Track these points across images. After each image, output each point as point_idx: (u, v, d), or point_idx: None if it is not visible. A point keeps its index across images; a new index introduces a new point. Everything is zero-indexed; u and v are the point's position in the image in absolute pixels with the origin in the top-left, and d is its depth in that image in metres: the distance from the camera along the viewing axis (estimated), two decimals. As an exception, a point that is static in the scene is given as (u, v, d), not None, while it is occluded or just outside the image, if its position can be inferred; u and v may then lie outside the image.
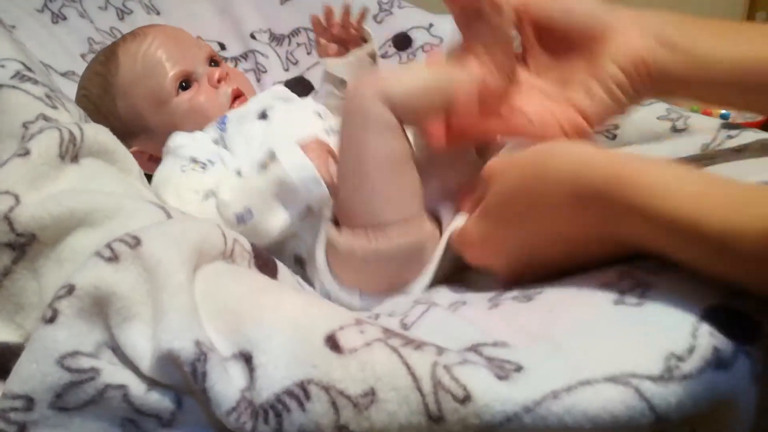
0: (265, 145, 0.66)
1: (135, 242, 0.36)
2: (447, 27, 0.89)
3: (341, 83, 0.74)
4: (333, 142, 0.63)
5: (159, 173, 0.67)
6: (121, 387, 0.33)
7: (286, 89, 0.80)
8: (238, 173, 0.67)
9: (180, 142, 0.69)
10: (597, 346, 0.32)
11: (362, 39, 0.74)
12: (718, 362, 0.30)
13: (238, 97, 0.75)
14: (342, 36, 0.73)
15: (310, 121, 0.69)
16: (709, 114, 1.14)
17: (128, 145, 0.73)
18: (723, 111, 1.17)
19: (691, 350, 0.31)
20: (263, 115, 0.71)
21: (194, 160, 0.66)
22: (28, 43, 0.74)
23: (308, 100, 0.76)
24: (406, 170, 0.50)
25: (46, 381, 0.32)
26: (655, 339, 0.31)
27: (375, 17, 0.90)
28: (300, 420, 0.31)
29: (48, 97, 0.51)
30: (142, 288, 0.34)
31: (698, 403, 0.29)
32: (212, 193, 0.62)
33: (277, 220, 0.55)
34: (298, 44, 0.95)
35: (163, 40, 0.75)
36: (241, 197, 0.55)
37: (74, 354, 0.33)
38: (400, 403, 0.30)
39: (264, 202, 0.55)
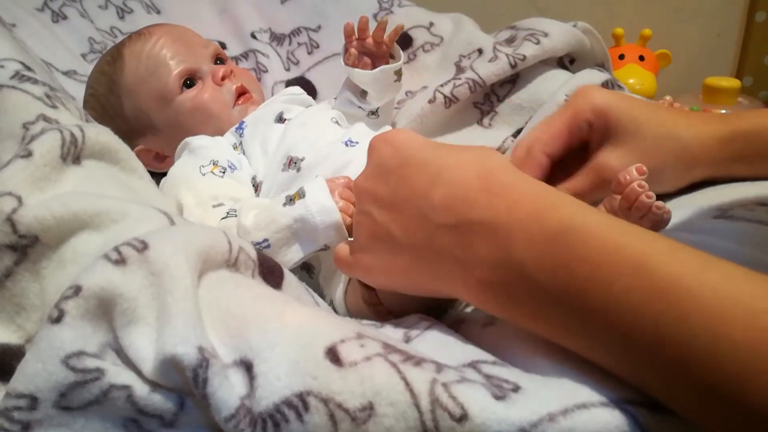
0: (282, 150, 0.67)
1: (142, 246, 0.36)
2: (447, 26, 0.89)
3: (362, 94, 0.75)
4: (353, 156, 0.63)
5: (177, 170, 0.68)
6: (126, 387, 0.33)
7: (302, 91, 0.80)
8: (254, 179, 0.67)
9: (202, 143, 0.70)
10: (594, 371, 0.32)
11: (390, 56, 0.74)
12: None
13: (242, 94, 0.75)
14: (372, 49, 0.73)
15: (328, 128, 0.70)
16: (708, 113, 1.15)
17: (135, 144, 0.74)
18: (723, 111, 1.18)
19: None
20: (280, 119, 0.71)
21: (214, 163, 0.66)
22: (29, 41, 0.75)
23: (324, 105, 0.77)
24: None
25: (50, 380, 0.33)
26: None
27: (375, 16, 0.90)
28: (298, 431, 0.31)
29: (48, 96, 0.51)
30: (147, 291, 0.35)
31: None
32: (228, 201, 0.62)
33: (291, 255, 0.56)
34: (299, 44, 0.95)
35: (168, 39, 0.75)
36: (263, 227, 0.56)
37: (79, 354, 0.33)
38: (398, 419, 0.30)
39: (282, 237, 0.55)
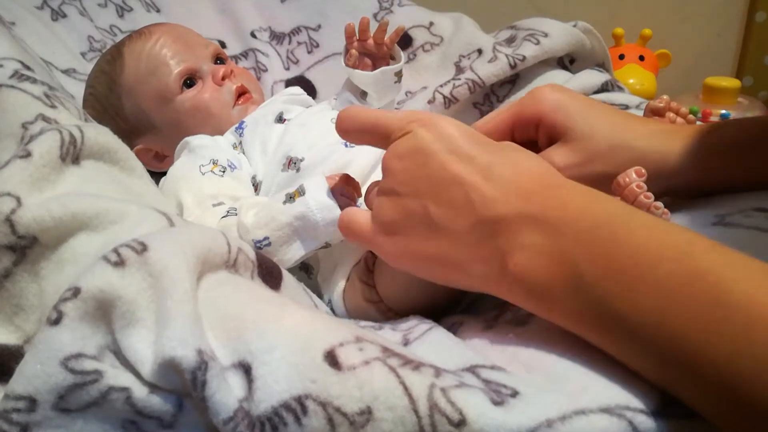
0: (281, 150, 0.67)
1: (142, 248, 0.36)
2: (447, 26, 0.89)
3: (362, 94, 0.75)
4: (352, 157, 0.63)
5: (177, 169, 0.68)
6: (125, 389, 0.33)
7: (302, 91, 0.80)
8: (254, 178, 0.67)
9: (202, 142, 0.70)
10: (593, 378, 0.32)
11: (391, 57, 0.74)
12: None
13: (242, 94, 0.76)
14: (372, 50, 0.73)
15: (328, 128, 0.70)
16: (709, 114, 1.15)
17: (135, 143, 0.74)
18: (723, 111, 1.18)
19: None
20: (280, 119, 0.71)
21: (214, 162, 0.66)
22: (28, 40, 0.75)
23: (324, 106, 0.77)
24: None
25: (49, 382, 0.33)
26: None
27: (375, 16, 0.90)
28: (296, 434, 0.31)
29: (47, 96, 0.51)
30: (146, 294, 0.35)
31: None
32: (228, 200, 0.62)
33: (292, 253, 0.56)
34: (299, 43, 0.95)
35: (169, 38, 0.75)
36: (263, 225, 0.55)
37: (78, 356, 0.33)
38: (396, 424, 0.30)
39: (283, 234, 0.55)
